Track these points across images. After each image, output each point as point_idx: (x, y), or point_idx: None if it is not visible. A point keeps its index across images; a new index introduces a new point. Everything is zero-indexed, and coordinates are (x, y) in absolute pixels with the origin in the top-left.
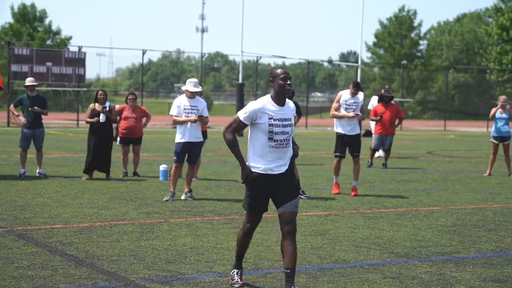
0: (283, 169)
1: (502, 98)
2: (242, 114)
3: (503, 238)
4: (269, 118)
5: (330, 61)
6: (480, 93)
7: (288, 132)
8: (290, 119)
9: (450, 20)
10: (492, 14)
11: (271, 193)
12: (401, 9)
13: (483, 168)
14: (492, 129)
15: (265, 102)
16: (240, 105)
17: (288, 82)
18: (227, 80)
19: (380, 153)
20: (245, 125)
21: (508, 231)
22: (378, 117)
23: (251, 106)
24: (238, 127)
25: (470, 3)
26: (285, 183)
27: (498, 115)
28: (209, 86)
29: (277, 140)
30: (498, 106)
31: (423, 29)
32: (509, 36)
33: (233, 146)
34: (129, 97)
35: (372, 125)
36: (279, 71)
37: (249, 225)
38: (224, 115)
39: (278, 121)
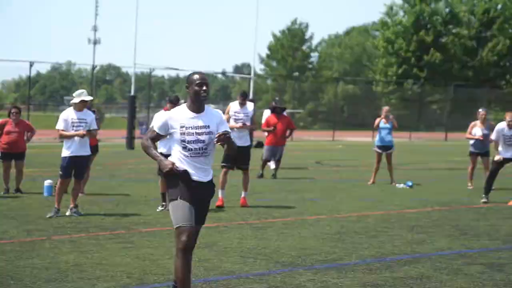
0: (204, 178)
1: (385, 108)
2: (155, 124)
3: (383, 244)
4: (181, 127)
5: (223, 73)
6: (367, 104)
7: (204, 140)
8: (209, 126)
9: (340, 33)
10: (379, 28)
11: (194, 200)
12: (294, 22)
13: (368, 177)
14: (376, 138)
15: (178, 110)
16: (132, 118)
17: (204, 88)
18: (120, 92)
19: (272, 164)
20: (160, 135)
21: (388, 237)
22: (272, 127)
23: (161, 116)
24: (153, 136)
25: (359, 17)
26: (205, 202)
27: (382, 125)
28: (101, 99)
29: (192, 149)
30: (382, 116)
31: (314, 42)
32: (394, 49)
33: (147, 149)
34: (12, 111)
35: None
36: (195, 76)
37: (184, 240)
38: (115, 128)
39: (191, 129)
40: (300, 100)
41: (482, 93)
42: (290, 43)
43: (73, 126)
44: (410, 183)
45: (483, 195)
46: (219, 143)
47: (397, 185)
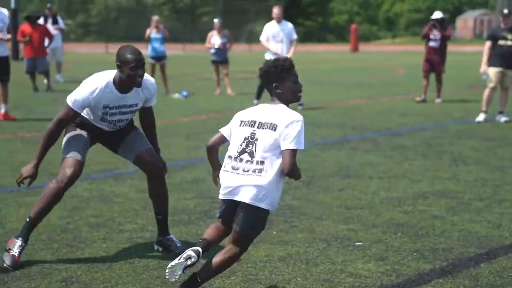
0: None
1: (155, 18)
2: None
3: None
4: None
5: None
6: (140, 16)
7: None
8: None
9: None
10: None
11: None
12: None
13: None
14: (149, 49)
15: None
16: None
17: (140, 71)
18: None
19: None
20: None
21: (164, 145)
22: (27, 38)
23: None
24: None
25: None
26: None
27: (153, 35)
28: None
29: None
30: (152, 26)
31: None
32: None
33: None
34: None
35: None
36: (129, 57)
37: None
38: None
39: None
40: (69, 11)
41: (249, 5)
42: None
43: None
44: (185, 93)
45: (256, 100)
46: None
47: (172, 95)
